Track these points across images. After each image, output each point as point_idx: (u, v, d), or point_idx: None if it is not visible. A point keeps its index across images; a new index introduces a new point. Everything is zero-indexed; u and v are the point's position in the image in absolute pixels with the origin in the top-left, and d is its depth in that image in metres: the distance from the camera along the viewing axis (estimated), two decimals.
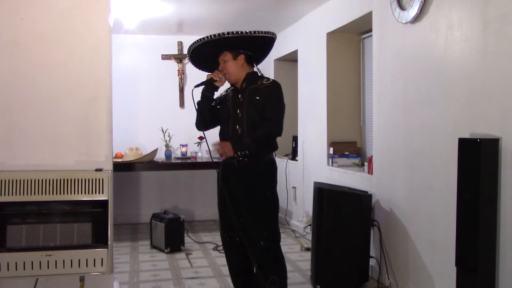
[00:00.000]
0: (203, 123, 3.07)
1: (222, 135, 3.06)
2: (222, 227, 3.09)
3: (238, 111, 2.94)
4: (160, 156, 5.93)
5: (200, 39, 2.91)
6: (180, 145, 6.12)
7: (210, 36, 2.86)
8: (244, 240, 2.94)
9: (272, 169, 3.01)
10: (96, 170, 2.91)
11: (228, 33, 2.85)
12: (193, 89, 2.97)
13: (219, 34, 2.84)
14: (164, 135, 6.10)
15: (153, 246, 4.95)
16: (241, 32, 2.88)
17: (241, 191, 2.93)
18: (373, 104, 4.00)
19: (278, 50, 6.23)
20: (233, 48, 2.96)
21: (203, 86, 3.03)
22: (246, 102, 2.93)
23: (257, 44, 3.02)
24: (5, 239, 2.74)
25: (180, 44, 6.35)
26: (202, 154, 6.10)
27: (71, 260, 2.76)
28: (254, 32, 2.91)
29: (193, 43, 2.96)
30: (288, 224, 5.83)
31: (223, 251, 3.23)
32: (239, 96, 2.97)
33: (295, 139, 5.89)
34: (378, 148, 3.90)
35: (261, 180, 2.94)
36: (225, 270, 2.98)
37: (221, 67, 3.00)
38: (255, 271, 2.94)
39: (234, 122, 2.94)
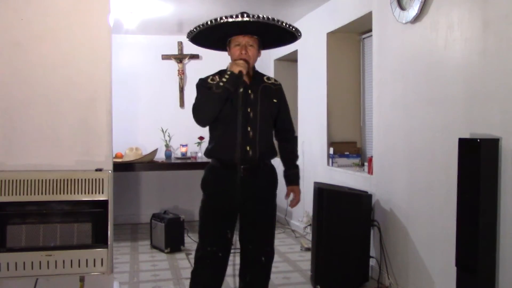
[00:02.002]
0: (211, 119, 2.57)
1: (225, 138, 2.59)
2: (209, 240, 2.64)
3: (249, 109, 2.57)
4: (160, 156, 5.93)
5: (244, 14, 2.44)
6: (180, 145, 6.12)
7: (260, 17, 2.47)
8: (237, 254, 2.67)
9: (274, 175, 2.74)
10: (96, 170, 2.91)
11: (284, 23, 2.56)
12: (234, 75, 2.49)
13: (270, 18, 2.50)
14: (164, 135, 6.10)
15: (153, 246, 4.95)
16: (293, 28, 2.61)
17: (243, 202, 2.58)
18: (373, 104, 4.00)
19: (278, 50, 6.22)
20: (262, 36, 2.63)
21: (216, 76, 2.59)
22: (259, 101, 2.61)
23: (278, 41, 2.79)
24: (5, 239, 2.73)
25: (180, 44, 6.35)
26: (202, 154, 6.10)
27: (71, 260, 2.75)
28: (295, 29, 2.64)
29: (224, 17, 2.47)
30: (288, 224, 5.83)
31: None
32: (249, 92, 2.60)
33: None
34: (378, 148, 3.90)
35: (265, 188, 2.68)
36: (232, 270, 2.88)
37: (244, 51, 2.57)
38: (246, 284, 2.71)
39: (245, 123, 2.55)
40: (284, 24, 2.57)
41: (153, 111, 6.29)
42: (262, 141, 2.62)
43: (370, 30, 4.08)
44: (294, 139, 2.89)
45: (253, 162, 2.60)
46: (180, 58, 6.36)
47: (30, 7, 2.91)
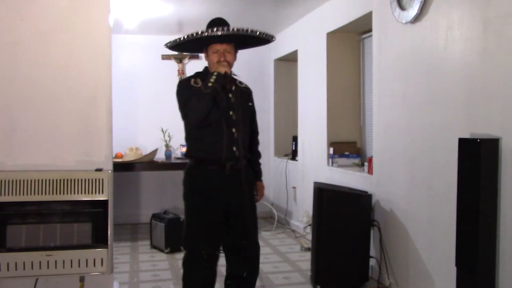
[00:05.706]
0: (204, 118, 2.68)
1: (213, 138, 2.72)
2: (205, 241, 2.74)
3: (231, 113, 2.74)
4: (160, 156, 5.93)
5: (222, 29, 2.65)
6: (180, 145, 6.12)
7: (235, 29, 2.66)
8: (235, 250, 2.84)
9: (252, 173, 2.97)
10: (96, 170, 2.91)
11: (252, 31, 2.70)
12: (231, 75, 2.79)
13: (238, 29, 2.66)
14: (164, 135, 6.10)
15: (153, 246, 4.95)
16: (265, 35, 2.78)
17: (236, 197, 2.75)
18: (373, 104, 4.00)
19: (278, 50, 6.23)
20: (237, 42, 2.81)
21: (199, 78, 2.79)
22: (239, 104, 2.79)
23: (253, 44, 2.96)
24: (5, 239, 2.74)
25: None
26: None
27: (71, 260, 2.76)
28: (267, 35, 2.79)
29: (208, 31, 2.67)
30: (288, 224, 5.83)
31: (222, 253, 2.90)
32: (230, 96, 2.77)
33: (295, 139, 5.89)
34: (378, 148, 3.90)
35: (250, 182, 2.86)
36: (224, 270, 2.95)
37: (222, 57, 2.75)
38: (243, 280, 2.85)
39: (229, 124, 2.73)
40: (258, 34, 2.74)
41: (153, 111, 6.28)
42: (245, 142, 2.81)
43: (370, 30, 4.08)
44: (258, 140, 3.10)
45: (237, 161, 2.75)
46: (180, 58, 6.35)
47: (30, 7, 2.91)
